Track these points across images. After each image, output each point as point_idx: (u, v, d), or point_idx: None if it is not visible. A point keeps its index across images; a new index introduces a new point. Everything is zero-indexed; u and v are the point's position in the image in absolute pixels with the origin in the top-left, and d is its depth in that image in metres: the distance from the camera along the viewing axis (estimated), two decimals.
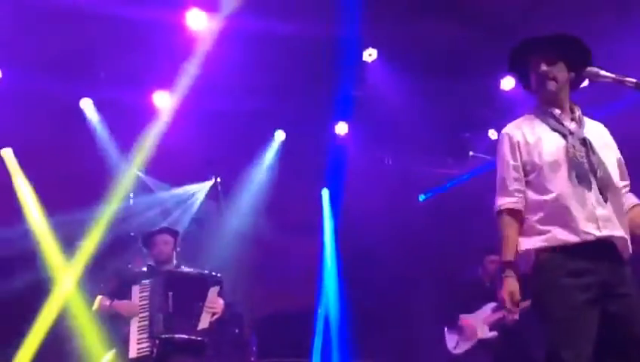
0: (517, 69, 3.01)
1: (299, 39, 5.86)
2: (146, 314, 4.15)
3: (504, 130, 2.93)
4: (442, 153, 7.75)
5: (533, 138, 2.84)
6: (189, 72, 6.24)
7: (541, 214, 2.74)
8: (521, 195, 2.81)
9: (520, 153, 2.83)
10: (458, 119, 7.21)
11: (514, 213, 2.80)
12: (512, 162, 2.84)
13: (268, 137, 7.60)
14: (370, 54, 6.32)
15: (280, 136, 7.62)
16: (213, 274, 4.45)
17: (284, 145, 7.57)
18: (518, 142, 2.84)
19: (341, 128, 7.44)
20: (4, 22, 5.59)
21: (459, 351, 5.55)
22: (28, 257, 5.95)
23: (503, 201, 2.83)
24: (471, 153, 7.23)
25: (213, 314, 4.25)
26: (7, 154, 6.76)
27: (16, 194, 6.60)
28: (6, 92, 6.40)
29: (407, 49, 6.19)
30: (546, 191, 2.73)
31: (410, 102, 6.57)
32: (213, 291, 4.29)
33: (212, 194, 7.16)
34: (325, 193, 7.85)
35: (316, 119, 7.23)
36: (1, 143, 6.69)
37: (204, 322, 4.18)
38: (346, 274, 6.91)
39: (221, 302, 4.34)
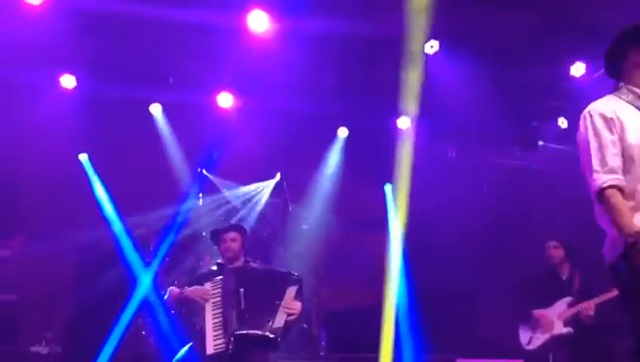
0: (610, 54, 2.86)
1: (359, 36, 5.86)
2: (219, 310, 4.22)
3: (593, 108, 2.75)
4: (510, 143, 7.54)
5: (623, 117, 2.69)
6: (253, 73, 6.35)
7: (632, 203, 2.59)
8: (620, 174, 2.61)
9: (615, 129, 2.67)
10: (526, 108, 6.99)
11: (618, 190, 2.59)
12: (609, 137, 2.65)
13: (331, 135, 7.64)
14: (431, 46, 6.21)
15: (343, 132, 7.62)
16: (292, 273, 4.45)
17: (348, 141, 7.58)
18: (612, 119, 2.68)
19: (403, 122, 7.37)
20: (77, 33, 5.85)
21: (532, 346, 5.39)
22: (109, 258, 6.21)
23: (606, 178, 2.61)
24: (540, 143, 7.00)
25: (290, 314, 4.27)
26: (84, 159, 7.09)
27: (95, 197, 6.90)
28: (81, 100, 6.72)
29: (470, 39, 6.05)
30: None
31: (474, 92, 6.40)
32: (290, 291, 4.30)
33: (277, 192, 7.25)
34: (388, 189, 7.79)
35: (378, 114, 7.19)
36: (78, 149, 7.03)
37: (279, 321, 4.19)
38: (413, 269, 6.84)
39: (299, 304, 4.33)
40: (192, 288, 4.29)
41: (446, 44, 6.22)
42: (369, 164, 7.63)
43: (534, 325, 5.41)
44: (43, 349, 5.61)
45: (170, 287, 4.48)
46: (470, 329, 6.68)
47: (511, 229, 7.22)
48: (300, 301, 4.38)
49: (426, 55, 6.26)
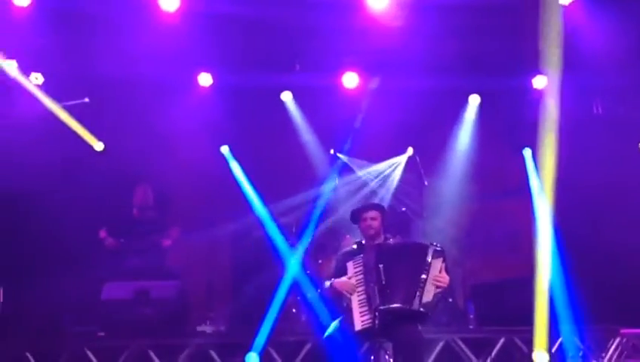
0: None
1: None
2: (363, 288, 4.20)
3: None
4: None
5: None
6: (377, 50, 6.27)
7: None
8: None
9: None
10: None
11: None
12: None
13: (462, 104, 7.34)
14: None
15: (475, 100, 7.29)
16: (434, 244, 4.29)
17: (481, 109, 7.25)
18: None
19: (540, 82, 6.88)
20: (209, 34, 6.16)
21: None
22: (258, 242, 6.52)
23: None
24: None
25: (438, 287, 4.16)
26: (225, 151, 7.47)
27: (239, 186, 7.26)
28: (218, 95, 7.08)
29: None
30: None
31: (616, 42, 5.83)
32: (435, 263, 4.17)
33: (411, 166, 7.13)
34: (528, 153, 7.34)
35: (512, 75, 6.78)
36: (219, 141, 7.43)
37: (427, 295, 4.09)
38: (564, 235, 6.39)
39: (446, 276, 4.20)
40: (340, 281, 4.34)
41: None
42: (504, 130, 7.25)
43: None
44: (208, 328, 6.02)
45: (326, 282, 4.54)
46: (635, 297, 6.12)
47: None
48: (447, 272, 4.27)
49: (562, 6, 5.77)
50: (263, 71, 6.58)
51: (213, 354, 5.44)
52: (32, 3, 5.70)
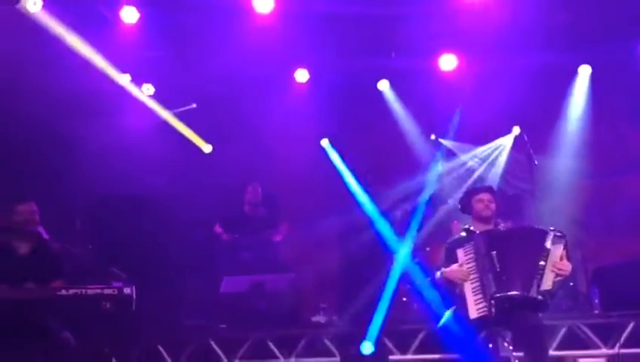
0: None
1: None
2: (476, 275, 4.05)
3: None
4: None
5: None
6: (475, 28, 6.04)
7: None
8: None
9: None
10: None
11: None
12: None
13: (570, 77, 6.90)
14: None
15: (585, 71, 6.82)
16: (553, 229, 4.03)
17: (592, 80, 6.77)
18: None
19: None
20: (302, 32, 6.25)
21: None
22: (366, 233, 6.55)
23: None
24: None
25: (558, 275, 3.91)
26: (326, 144, 7.54)
27: (342, 180, 7.30)
28: (316, 89, 7.16)
29: None
30: None
31: None
32: (555, 249, 3.92)
33: (519, 146, 6.81)
34: None
35: (624, 43, 6.28)
36: (319, 134, 7.51)
37: (546, 282, 3.87)
38: None
39: (568, 264, 3.94)
40: (452, 270, 4.23)
41: None
42: (620, 101, 6.73)
43: None
44: (322, 318, 6.14)
45: (437, 273, 4.47)
46: None
47: None
48: (568, 259, 4.03)
49: None
50: (359, 61, 6.56)
51: (329, 343, 5.53)
52: (139, 20, 6.07)
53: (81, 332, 4.48)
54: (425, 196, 6.53)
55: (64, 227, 5.54)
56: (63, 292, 4.16)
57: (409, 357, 5.35)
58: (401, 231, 6.39)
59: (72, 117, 6.36)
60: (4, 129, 5.21)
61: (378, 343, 5.26)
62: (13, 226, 4.71)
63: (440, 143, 7.12)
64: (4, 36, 4.63)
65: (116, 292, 4.14)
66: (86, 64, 6.09)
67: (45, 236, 4.89)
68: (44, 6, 5.50)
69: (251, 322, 5.69)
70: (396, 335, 5.43)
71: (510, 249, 4.06)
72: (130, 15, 6.03)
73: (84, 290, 4.14)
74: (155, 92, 7.10)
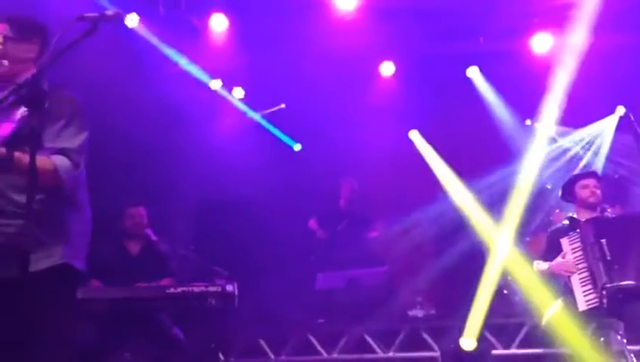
0: None
1: None
2: (584, 265, 3.86)
3: None
4: None
5: None
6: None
7: None
8: None
9: None
10: None
11: None
12: None
13: None
14: None
15: None
16: None
17: None
18: None
19: None
20: (387, 26, 6.19)
21: None
22: (460, 224, 6.40)
23: None
24: None
25: None
26: (415, 135, 7.42)
27: (433, 170, 7.16)
28: (401, 82, 7.07)
29: None
30: None
31: None
32: None
33: (624, 126, 6.34)
34: None
35: None
36: (409, 126, 7.40)
37: None
38: None
39: None
40: (558, 263, 4.04)
41: None
42: None
43: None
44: (419, 312, 6.06)
45: (535, 262, 4.29)
46: None
47: None
48: None
49: None
50: (445, 49, 6.40)
51: (427, 337, 5.45)
52: (226, 29, 6.31)
53: (188, 328, 4.71)
54: (522, 184, 6.25)
55: (168, 229, 5.83)
56: (172, 290, 4.36)
57: (513, 351, 5.16)
58: (498, 220, 6.17)
59: (172, 127, 6.69)
60: (117, 144, 5.59)
61: (480, 337, 5.13)
62: (125, 229, 5.07)
63: (536, 128, 6.78)
64: (105, 58, 4.93)
65: (220, 289, 4.30)
66: (181, 73, 6.42)
67: (153, 238, 5.18)
68: (140, 20, 5.82)
69: (348, 317, 5.71)
70: (498, 328, 5.26)
71: (621, 236, 3.84)
72: (219, 23, 6.27)
73: (191, 288, 4.32)
74: (245, 95, 7.32)
